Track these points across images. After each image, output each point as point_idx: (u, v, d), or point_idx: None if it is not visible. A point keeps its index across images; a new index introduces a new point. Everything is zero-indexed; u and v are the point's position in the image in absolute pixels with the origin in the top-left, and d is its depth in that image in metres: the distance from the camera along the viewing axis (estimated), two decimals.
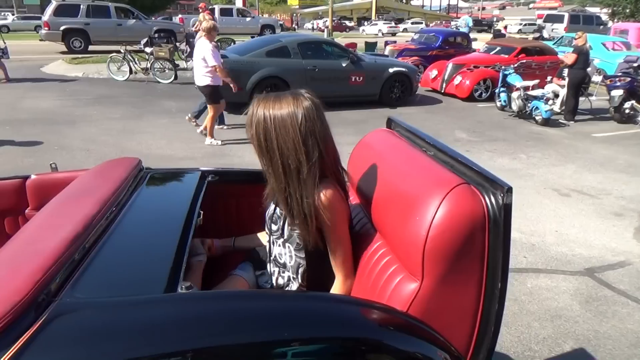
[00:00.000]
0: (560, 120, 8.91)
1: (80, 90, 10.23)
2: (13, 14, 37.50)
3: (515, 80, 9.07)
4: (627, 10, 26.21)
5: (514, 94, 8.91)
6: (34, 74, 12.01)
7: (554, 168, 6.17)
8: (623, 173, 6.05)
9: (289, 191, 1.40)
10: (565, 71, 8.94)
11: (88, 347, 0.98)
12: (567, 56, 8.93)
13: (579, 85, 8.83)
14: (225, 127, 7.37)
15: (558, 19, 27.64)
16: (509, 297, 3.12)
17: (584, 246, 4.02)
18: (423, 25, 39.86)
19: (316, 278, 1.55)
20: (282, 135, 1.34)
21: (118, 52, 11.44)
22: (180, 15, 30.94)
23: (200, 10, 10.67)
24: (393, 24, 44.99)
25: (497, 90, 9.72)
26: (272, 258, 1.66)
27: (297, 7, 60.68)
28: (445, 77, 11.07)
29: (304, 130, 1.33)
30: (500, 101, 9.54)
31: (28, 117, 7.77)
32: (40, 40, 17.84)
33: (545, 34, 26.04)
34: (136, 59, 11.55)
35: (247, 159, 5.77)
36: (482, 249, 1.25)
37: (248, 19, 26.84)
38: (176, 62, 11.88)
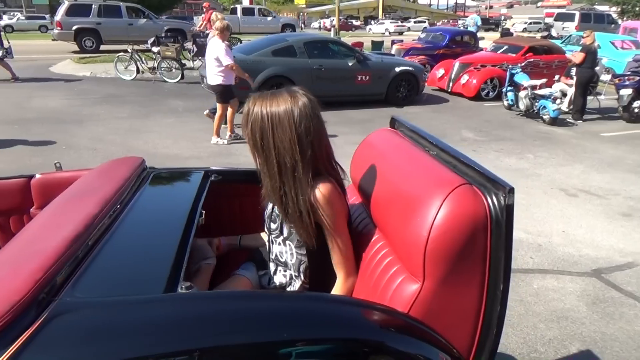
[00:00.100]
0: (568, 120, 8.83)
1: (88, 89, 10.30)
2: (22, 14, 37.84)
3: (523, 79, 9.00)
4: (637, 9, 25.96)
5: (522, 93, 8.84)
6: (42, 73, 12.11)
7: (562, 168, 6.11)
8: (632, 173, 5.99)
9: (283, 190, 1.40)
10: (573, 70, 8.87)
11: (88, 346, 0.99)
12: (575, 55, 8.86)
13: (587, 84, 8.76)
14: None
15: (569, 17, 27.32)
16: (515, 298, 3.13)
17: (591, 247, 3.98)
18: (426, 24, 39.73)
19: (318, 276, 1.54)
20: (279, 132, 1.34)
21: (125, 51, 11.51)
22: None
23: (205, 10, 10.69)
24: (400, 23, 44.88)
25: (504, 90, 9.66)
26: (272, 257, 1.66)
27: (304, 6, 60.56)
28: (452, 76, 11.02)
29: (300, 127, 1.33)
30: (507, 100, 9.48)
31: (36, 116, 7.84)
32: (52, 40, 18.00)
33: (554, 33, 25.79)
34: (143, 59, 11.62)
35: None
36: (484, 249, 1.24)
37: (269, 18, 27.16)
38: (183, 61, 11.93)
